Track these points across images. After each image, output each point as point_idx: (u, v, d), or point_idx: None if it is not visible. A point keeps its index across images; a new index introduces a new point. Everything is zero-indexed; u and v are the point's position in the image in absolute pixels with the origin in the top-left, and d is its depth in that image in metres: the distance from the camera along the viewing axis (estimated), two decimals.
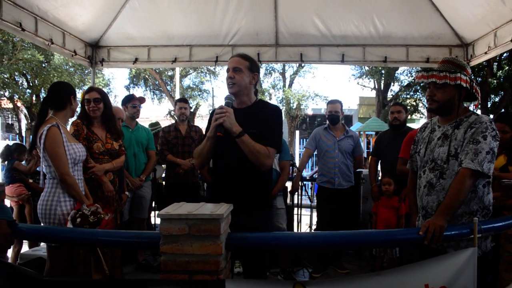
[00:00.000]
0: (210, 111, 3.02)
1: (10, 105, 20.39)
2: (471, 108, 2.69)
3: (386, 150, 4.99)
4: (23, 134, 20.48)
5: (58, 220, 3.01)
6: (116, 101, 21.02)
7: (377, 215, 4.74)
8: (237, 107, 2.80)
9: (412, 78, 19.82)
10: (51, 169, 3.10)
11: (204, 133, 3.02)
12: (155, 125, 6.34)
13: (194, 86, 25.25)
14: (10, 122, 27.26)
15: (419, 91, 19.71)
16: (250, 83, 2.82)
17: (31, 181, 5.42)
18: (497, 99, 16.47)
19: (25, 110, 19.64)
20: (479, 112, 2.54)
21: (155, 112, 25.93)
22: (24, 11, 4.88)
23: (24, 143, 15.71)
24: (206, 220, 2.02)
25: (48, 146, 3.04)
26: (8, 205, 5.47)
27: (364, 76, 22.98)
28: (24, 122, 20.96)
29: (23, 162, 5.67)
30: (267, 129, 2.72)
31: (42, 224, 3.08)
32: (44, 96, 3.42)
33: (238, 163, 2.68)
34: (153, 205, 5.81)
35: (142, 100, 5.16)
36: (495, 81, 15.01)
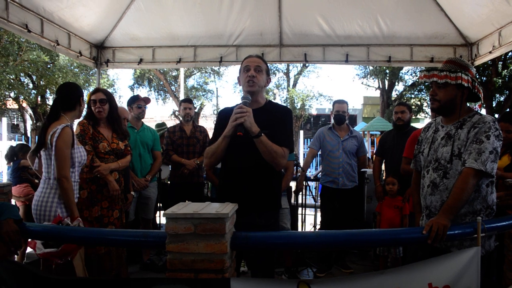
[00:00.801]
0: (217, 112, 3.03)
1: (16, 106, 20.51)
2: (475, 108, 2.70)
3: (390, 150, 5.00)
4: (29, 134, 20.56)
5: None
6: (121, 101, 21.12)
7: (381, 215, 4.75)
8: (250, 107, 2.81)
9: (417, 77, 19.80)
10: (50, 169, 3.13)
11: (213, 133, 3.01)
12: (161, 125, 6.37)
13: (199, 87, 25.33)
14: (15, 122, 27.40)
15: (424, 90, 19.69)
16: (265, 86, 2.87)
17: (36, 181, 5.45)
18: (502, 99, 16.43)
19: (30, 111, 19.73)
20: (483, 111, 2.54)
21: (160, 112, 26.09)
22: (30, 13, 4.93)
23: (29, 144, 15.82)
24: (212, 219, 2.04)
25: (58, 145, 3.07)
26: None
27: (369, 75, 22.95)
28: (29, 123, 21.05)
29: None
30: (281, 129, 2.75)
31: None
32: (54, 97, 3.45)
33: (251, 163, 2.69)
34: (159, 205, 5.84)
35: (147, 100, 5.19)
36: (500, 81, 14.98)
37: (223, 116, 2.84)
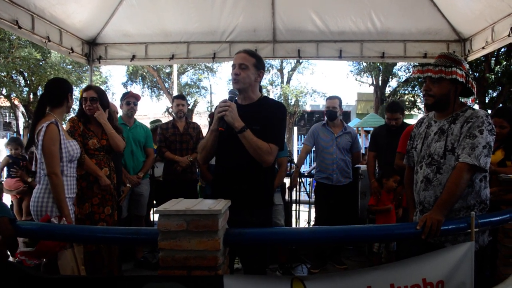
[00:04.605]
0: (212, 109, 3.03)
1: (8, 104, 20.36)
2: (468, 103, 2.69)
3: (384, 146, 4.97)
4: (21, 132, 20.44)
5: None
6: (114, 98, 20.99)
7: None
8: (242, 103, 2.79)
9: (410, 73, 19.83)
10: (43, 166, 3.10)
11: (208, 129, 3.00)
12: (154, 122, 6.35)
13: (192, 83, 25.24)
14: (7, 120, 27.20)
15: (417, 86, 19.74)
16: (256, 80, 2.80)
17: (30, 179, 5.38)
18: (495, 94, 16.51)
19: (22, 108, 19.58)
20: (476, 107, 2.55)
21: (153, 109, 25.96)
22: (20, 9, 4.86)
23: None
24: (204, 216, 2.02)
25: (45, 142, 3.04)
26: (8, 201, 5.53)
27: (362, 72, 22.98)
28: (21, 120, 20.92)
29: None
30: (270, 125, 2.71)
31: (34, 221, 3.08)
32: (41, 93, 3.40)
33: (243, 160, 2.66)
34: (154, 202, 5.81)
35: (137, 97, 5.13)
36: (492, 76, 15.05)
37: None
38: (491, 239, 2.60)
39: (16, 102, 19.62)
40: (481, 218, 2.34)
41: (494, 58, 15.04)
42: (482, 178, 2.50)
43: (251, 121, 2.61)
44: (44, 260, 2.78)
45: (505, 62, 15.15)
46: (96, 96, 3.77)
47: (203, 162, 3.44)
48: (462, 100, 2.68)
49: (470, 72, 2.79)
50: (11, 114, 24.13)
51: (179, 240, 2.04)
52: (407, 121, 5.19)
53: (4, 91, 18.41)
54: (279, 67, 24.88)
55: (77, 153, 3.31)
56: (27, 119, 19.20)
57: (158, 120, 6.50)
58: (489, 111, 12.22)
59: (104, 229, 2.68)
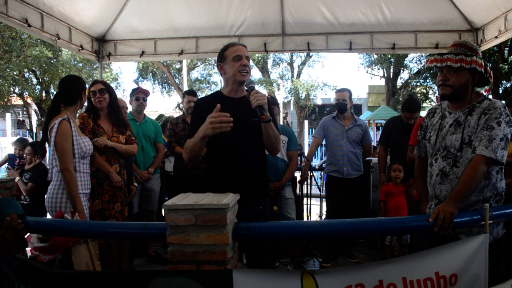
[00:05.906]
0: (195, 102, 2.98)
1: (21, 102, 20.58)
2: (482, 93, 2.62)
3: (398, 141, 4.85)
4: (34, 130, 20.65)
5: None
6: (124, 95, 21.11)
7: (386, 203, 4.69)
8: (234, 96, 2.76)
9: (422, 65, 19.57)
10: (57, 162, 3.13)
11: (190, 124, 2.86)
12: (159, 118, 6.36)
13: (202, 79, 25.29)
14: (21, 118, 27.49)
15: (429, 78, 19.49)
16: None
17: (17, 179, 5.19)
18: (508, 85, 16.25)
19: (35, 106, 19.79)
20: (490, 97, 2.47)
21: (164, 105, 26.05)
22: (29, 7, 4.89)
23: (34, 139, 15.87)
24: (212, 210, 2.00)
25: (57, 139, 3.07)
26: None
27: (373, 64, 22.78)
28: (34, 118, 21.12)
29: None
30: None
31: (49, 217, 3.11)
32: (56, 91, 3.43)
33: (249, 150, 2.68)
34: (165, 198, 5.83)
35: (146, 92, 5.13)
36: (506, 67, 14.80)
37: (202, 106, 2.76)
38: (505, 232, 2.55)
39: (28, 100, 19.83)
40: (495, 210, 2.30)
41: (508, 48, 14.78)
42: (498, 170, 2.45)
43: (247, 114, 2.60)
44: (59, 255, 2.81)
45: None
46: (104, 87, 3.77)
47: (187, 163, 3.17)
48: (476, 90, 2.61)
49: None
50: (24, 112, 24.38)
51: (187, 234, 2.02)
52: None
53: (17, 90, 18.61)
54: (289, 61, 24.74)
55: (90, 150, 3.32)
56: (40, 117, 19.39)
57: (162, 115, 6.50)
58: (503, 102, 12.03)
59: (114, 224, 2.69)
